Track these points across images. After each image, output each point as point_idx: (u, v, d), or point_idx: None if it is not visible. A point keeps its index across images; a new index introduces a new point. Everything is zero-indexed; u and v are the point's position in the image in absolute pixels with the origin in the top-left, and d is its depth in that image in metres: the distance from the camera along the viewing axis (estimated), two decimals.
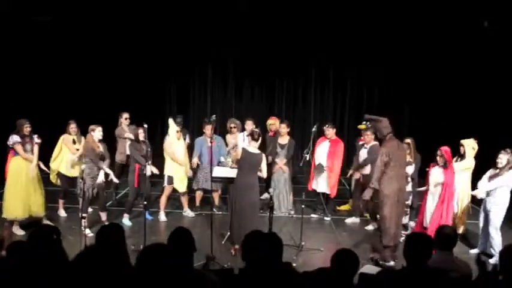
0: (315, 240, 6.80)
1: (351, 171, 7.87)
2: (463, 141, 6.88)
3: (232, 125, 8.13)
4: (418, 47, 10.97)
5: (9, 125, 6.68)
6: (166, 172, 7.52)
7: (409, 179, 6.80)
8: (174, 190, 7.64)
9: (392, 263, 5.80)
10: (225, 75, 12.67)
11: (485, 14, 9.45)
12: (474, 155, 6.87)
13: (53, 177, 7.48)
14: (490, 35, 9.44)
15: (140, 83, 11.94)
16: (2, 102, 9.18)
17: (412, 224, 7.00)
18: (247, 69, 12.39)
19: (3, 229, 6.49)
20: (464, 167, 6.80)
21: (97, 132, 6.78)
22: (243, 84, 12.73)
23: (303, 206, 6.71)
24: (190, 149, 8.17)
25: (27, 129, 6.64)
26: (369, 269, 3.84)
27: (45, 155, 7.05)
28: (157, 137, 10.58)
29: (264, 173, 6.33)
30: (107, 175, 6.90)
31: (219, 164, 7.51)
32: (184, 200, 7.84)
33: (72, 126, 7.39)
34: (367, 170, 7.42)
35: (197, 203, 8.03)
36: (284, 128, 7.99)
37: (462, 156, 6.87)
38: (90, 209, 7.02)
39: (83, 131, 7.26)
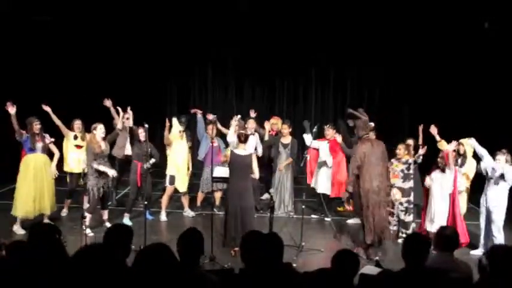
0: (316, 240, 6.80)
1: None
2: (462, 141, 6.89)
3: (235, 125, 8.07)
4: (418, 47, 10.97)
5: (10, 125, 6.66)
6: (168, 172, 7.52)
7: (411, 177, 6.81)
8: (176, 190, 7.63)
9: (377, 258, 5.81)
10: (226, 75, 12.66)
11: (485, 15, 9.45)
12: (472, 155, 6.89)
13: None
14: (491, 35, 9.44)
15: (140, 83, 11.93)
16: (3, 102, 9.18)
17: (414, 225, 6.98)
18: (247, 69, 12.39)
19: None
20: (471, 170, 6.81)
21: (99, 130, 6.74)
22: (243, 84, 12.72)
23: (303, 207, 6.71)
24: (191, 150, 8.17)
25: (36, 126, 6.61)
26: (369, 269, 3.84)
27: (50, 156, 7.02)
28: (157, 137, 10.56)
29: (256, 174, 6.24)
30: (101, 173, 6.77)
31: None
32: (185, 200, 7.84)
33: (77, 123, 7.35)
34: None
35: (198, 203, 8.03)
36: (286, 129, 7.99)
37: (462, 156, 6.87)
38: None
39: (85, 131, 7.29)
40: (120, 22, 10.74)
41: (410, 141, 7.11)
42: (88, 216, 6.51)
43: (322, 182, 7.93)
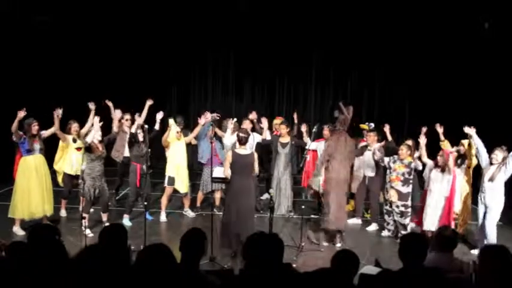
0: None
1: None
2: (463, 141, 6.90)
3: (230, 125, 8.04)
4: (418, 47, 10.96)
5: (9, 125, 6.65)
6: (168, 173, 7.51)
7: (410, 181, 6.81)
8: (175, 190, 7.63)
9: (339, 244, 6.49)
10: (225, 75, 12.65)
11: (485, 15, 9.45)
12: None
13: (59, 179, 7.51)
14: (491, 36, 9.44)
15: (140, 83, 11.90)
16: (2, 102, 9.18)
17: (412, 225, 6.99)
18: (247, 69, 12.38)
19: None
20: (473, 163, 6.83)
21: (96, 133, 6.74)
22: (243, 84, 12.72)
23: (302, 207, 6.70)
24: (192, 149, 8.17)
25: (35, 127, 6.61)
26: (369, 269, 3.84)
27: (46, 157, 7.01)
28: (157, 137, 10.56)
29: (255, 171, 6.21)
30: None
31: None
32: (186, 201, 7.84)
33: (74, 126, 7.33)
34: (370, 171, 7.39)
35: (198, 203, 8.03)
36: (284, 129, 7.97)
37: (462, 156, 6.88)
38: (91, 209, 7.00)
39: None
40: (120, 22, 10.74)
41: (409, 142, 7.11)
42: (87, 216, 6.51)
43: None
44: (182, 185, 7.56)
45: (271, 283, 2.95)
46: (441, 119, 8.78)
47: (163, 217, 7.56)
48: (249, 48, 11.78)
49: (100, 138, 6.81)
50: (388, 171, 6.97)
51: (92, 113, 7.17)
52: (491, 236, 6.16)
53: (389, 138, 7.52)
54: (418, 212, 6.96)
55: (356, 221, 7.73)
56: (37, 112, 6.93)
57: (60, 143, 7.41)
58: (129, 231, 6.75)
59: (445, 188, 6.43)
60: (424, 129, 7.14)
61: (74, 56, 11.06)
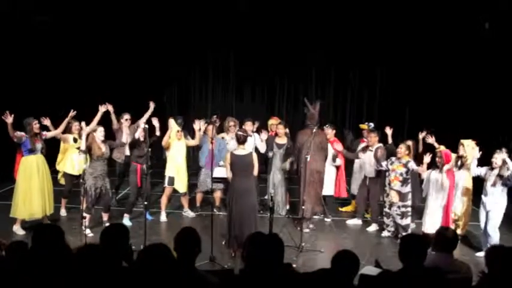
0: (316, 241, 6.80)
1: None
2: (463, 141, 6.89)
3: (232, 123, 8.07)
4: (418, 47, 10.96)
5: (4, 125, 6.64)
6: (167, 173, 7.51)
7: (409, 181, 6.81)
8: (175, 190, 7.63)
9: (307, 230, 7.01)
10: (226, 75, 12.66)
11: (485, 15, 9.45)
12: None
13: (60, 178, 7.52)
14: (491, 36, 9.44)
15: (140, 83, 11.92)
16: (2, 102, 9.18)
17: (412, 225, 6.99)
18: (247, 69, 12.38)
19: None
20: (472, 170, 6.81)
21: (98, 133, 6.73)
22: (243, 84, 12.72)
23: (303, 207, 6.69)
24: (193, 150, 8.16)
25: (36, 126, 6.59)
26: (369, 270, 3.83)
27: (47, 157, 7.00)
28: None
29: (255, 171, 6.12)
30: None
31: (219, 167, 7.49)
32: (185, 201, 7.83)
33: (76, 125, 7.31)
34: (371, 172, 7.38)
35: (198, 203, 8.03)
36: (282, 129, 7.91)
37: (462, 157, 6.86)
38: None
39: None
40: (120, 22, 10.73)
41: (409, 142, 7.11)
42: (87, 216, 6.50)
43: (326, 184, 7.89)
44: (182, 185, 7.56)
45: (271, 283, 2.95)
46: (441, 119, 8.83)
47: (163, 217, 7.56)
48: (249, 48, 11.77)
49: (102, 138, 6.79)
50: (387, 173, 6.96)
51: (99, 114, 7.13)
52: (495, 239, 6.13)
53: (390, 141, 7.46)
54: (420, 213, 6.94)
55: (356, 221, 7.72)
56: (37, 112, 6.93)
57: (62, 145, 7.41)
58: (129, 231, 6.81)
59: (444, 190, 6.40)
60: (421, 136, 7.38)
61: (74, 56, 11.05)
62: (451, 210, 6.47)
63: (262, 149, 7.90)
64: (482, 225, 6.36)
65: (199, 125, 7.50)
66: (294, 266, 5.08)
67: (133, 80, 11.82)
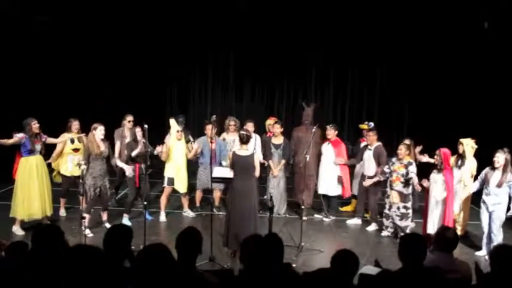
0: (315, 240, 6.80)
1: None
2: (462, 140, 6.89)
3: (232, 123, 8.07)
4: (418, 47, 10.96)
5: (8, 125, 6.65)
6: (167, 173, 7.50)
7: (410, 182, 6.80)
8: (174, 190, 7.63)
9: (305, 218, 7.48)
10: (225, 75, 12.65)
11: (485, 15, 9.45)
12: (473, 154, 6.88)
13: (54, 176, 7.46)
14: (490, 36, 9.44)
15: (140, 83, 11.92)
16: (2, 102, 9.19)
17: (412, 225, 6.98)
18: (247, 70, 12.38)
19: None
20: (472, 171, 6.80)
21: (98, 131, 6.71)
22: (243, 84, 12.72)
23: (303, 207, 6.69)
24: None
25: (35, 126, 6.56)
26: (369, 269, 3.83)
27: (44, 158, 6.97)
28: (157, 137, 10.55)
29: (257, 172, 6.13)
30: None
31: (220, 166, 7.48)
32: (185, 201, 7.83)
33: (75, 123, 7.30)
34: (371, 171, 7.38)
35: (197, 203, 8.03)
36: (278, 129, 7.85)
37: (461, 156, 6.87)
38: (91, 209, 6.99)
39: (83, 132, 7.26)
40: (120, 22, 10.73)
41: (408, 141, 7.09)
42: (87, 216, 6.50)
43: (323, 183, 7.90)
44: (182, 185, 7.55)
45: (271, 283, 2.95)
46: (441, 119, 8.84)
47: (162, 217, 7.56)
48: (249, 48, 11.77)
49: (102, 137, 6.76)
50: (388, 174, 6.95)
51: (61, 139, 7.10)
52: (499, 239, 6.13)
53: (418, 156, 7.29)
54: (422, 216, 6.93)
55: (356, 221, 7.72)
56: (37, 112, 6.93)
57: (58, 147, 7.36)
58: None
59: (443, 189, 6.39)
60: (417, 150, 7.32)
61: (74, 56, 11.05)
62: (452, 209, 6.46)
63: (260, 156, 7.87)
64: (485, 225, 6.32)
65: (161, 148, 7.32)
66: (294, 265, 5.09)
67: (134, 80, 11.82)
